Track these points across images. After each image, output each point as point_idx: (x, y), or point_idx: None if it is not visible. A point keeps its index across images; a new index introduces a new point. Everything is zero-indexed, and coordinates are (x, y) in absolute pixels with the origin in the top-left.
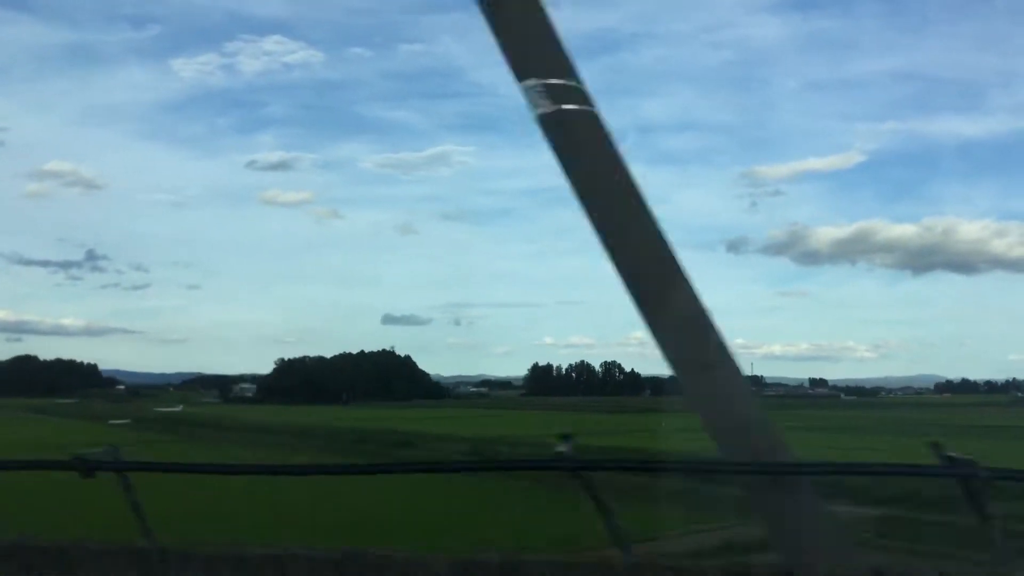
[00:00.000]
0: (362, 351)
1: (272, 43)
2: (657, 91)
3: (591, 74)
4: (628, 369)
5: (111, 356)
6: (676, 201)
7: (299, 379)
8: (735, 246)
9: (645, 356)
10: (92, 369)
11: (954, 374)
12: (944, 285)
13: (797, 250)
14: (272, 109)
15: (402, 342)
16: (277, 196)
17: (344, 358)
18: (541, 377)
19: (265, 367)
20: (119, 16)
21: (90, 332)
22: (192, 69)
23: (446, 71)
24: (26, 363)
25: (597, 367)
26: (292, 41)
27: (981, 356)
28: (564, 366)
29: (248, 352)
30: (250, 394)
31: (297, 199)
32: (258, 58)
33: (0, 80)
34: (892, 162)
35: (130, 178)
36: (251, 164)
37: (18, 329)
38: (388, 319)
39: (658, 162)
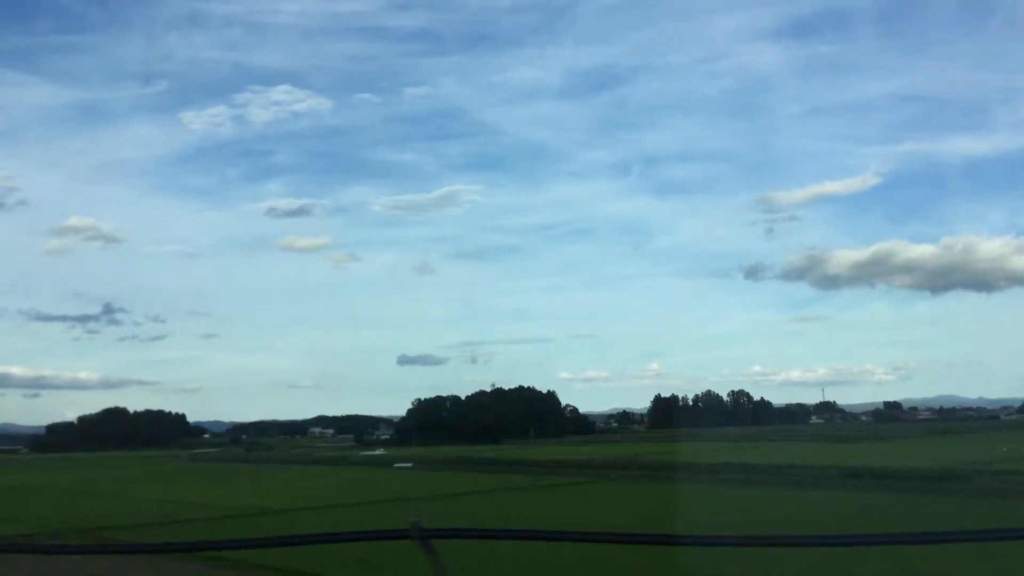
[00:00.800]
0: (499, 388)
1: (280, 93)
2: (660, 123)
3: (594, 109)
4: (757, 398)
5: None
6: (687, 230)
7: (430, 419)
8: (753, 273)
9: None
10: (181, 419)
11: (973, 393)
12: (963, 304)
13: (816, 274)
14: (282, 157)
15: (419, 382)
16: (294, 242)
17: (480, 396)
18: (666, 408)
19: (285, 413)
20: (126, 74)
21: (107, 385)
22: (202, 121)
23: (450, 112)
24: (116, 415)
25: (725, 396)
26: (300, 90)
27: (1000, 375)
28: (690, 396)
29: (263, 398)
30: (386, 436)
31: (314, 244)
32: (267, 108)
33: (13, 141)
34: (908, 183)
35: (145, 231)
36: (271, 211)
37: (36, 385)
38: (404, 360)
39: (665, 192)
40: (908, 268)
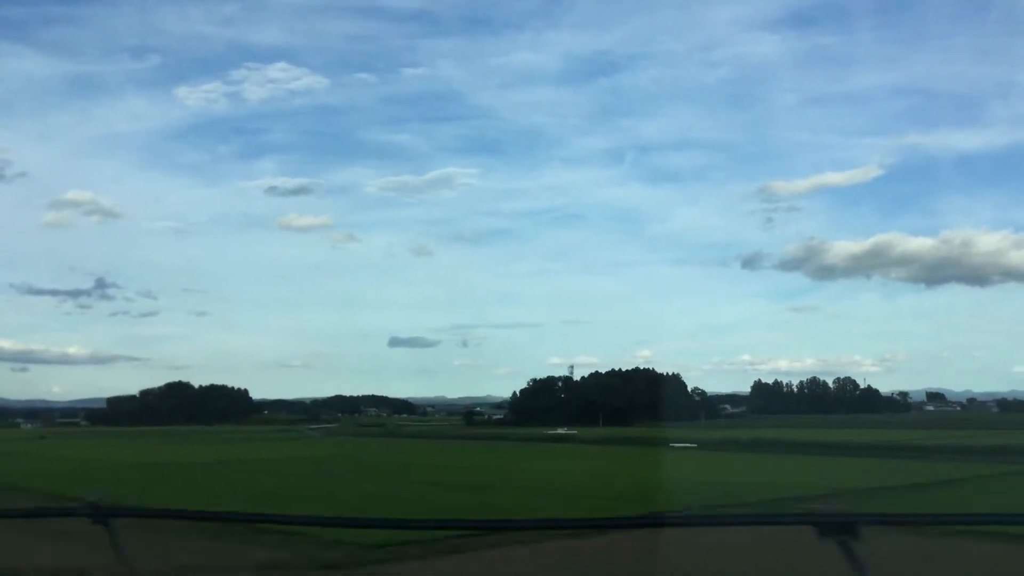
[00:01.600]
0: (613, 370)
1: (276, 70)
2: (657, 111)
3: (590, 96)
4: (864, 385)
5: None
6: (683, 218)
7: (546, 400)
8: (750, 262)
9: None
10: (243, 395)
11: (960, 386)
12: (955, 297)
13: (813, 265)
14: (277, 135)
15: (409, 364)
16: (293, 221)
17: (599, 377)
18: (769, 394)
19: (273, 392)
20: (119, 47)
21: (96, 360)
22: (196, 97)
23: (446, 94)
24: (180, 390)
25: (831, 383)
26: (296, 68)
27: (987, 368)
28: (794, 383)
29: (252, 377)
30: (498, 416)
31: (314, 223)
32: (263, 85)
33: (7, 112)
34: (910, 176)
35: (139, 206)
36: (271, 190)
37: (24, 359)
38: (395, 342)
39: (662, 180)
40: (905, 261)
